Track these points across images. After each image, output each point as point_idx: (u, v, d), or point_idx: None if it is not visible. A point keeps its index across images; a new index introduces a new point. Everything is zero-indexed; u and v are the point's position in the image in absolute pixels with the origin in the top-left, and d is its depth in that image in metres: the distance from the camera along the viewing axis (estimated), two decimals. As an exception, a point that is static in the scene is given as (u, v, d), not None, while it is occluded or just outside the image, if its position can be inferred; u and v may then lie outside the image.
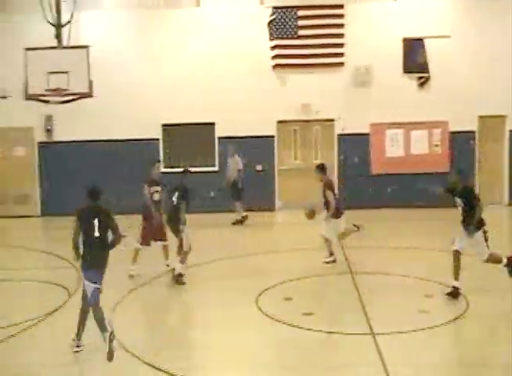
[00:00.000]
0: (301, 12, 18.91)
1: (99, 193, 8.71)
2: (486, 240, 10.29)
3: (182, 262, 11.76)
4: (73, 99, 16.54)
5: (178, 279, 11.67)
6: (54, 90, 16.16)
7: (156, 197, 12.51)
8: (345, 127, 19.09)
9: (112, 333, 8.15)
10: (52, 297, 11.21)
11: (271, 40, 18.92)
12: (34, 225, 18.86)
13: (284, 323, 9.41)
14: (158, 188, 12.54)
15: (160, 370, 7.91)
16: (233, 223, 17.42)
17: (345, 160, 19.27)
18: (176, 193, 11.94)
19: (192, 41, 19.06)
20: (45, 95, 16.45)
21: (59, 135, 19.39)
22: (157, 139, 19.36)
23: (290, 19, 18.91)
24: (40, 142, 19.52)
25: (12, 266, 13.33)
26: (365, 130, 19.14)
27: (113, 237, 8.62)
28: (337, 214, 12.49)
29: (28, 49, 16.42)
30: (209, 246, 14.30)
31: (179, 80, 18.96)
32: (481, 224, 10.28)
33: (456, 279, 10.26)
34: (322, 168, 12.71)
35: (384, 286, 11.23)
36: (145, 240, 12.41)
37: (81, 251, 8.57)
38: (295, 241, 14.97)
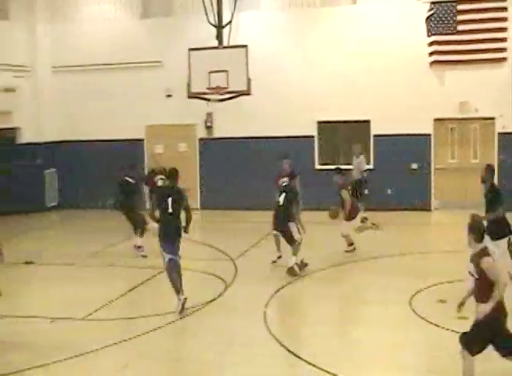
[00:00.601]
0: (460, 7, 18.36)
1: (175, 175, 10.40)
2: None
3: (295, 253, 12.23)
4: (231, 97, 17.04)
5: (291, 270, 12.13)
6: (214, 88, 16.67)
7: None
8: (506, 125, 18.35)
9: (185, 298, 9.97)
10: (210, 287, 11.73)
11: (428, 36, 18.50)
12: (195, 217, 19.59)
13: (437, 326, 9.28)
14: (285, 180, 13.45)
15: (309, 363, 8.08)
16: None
17: (506, 160, 18.52)
18: (283, 195, 12.50)
19: (348, 39, 19.07)
20: (205, 94, 17.03)
21: (218, 132, 20.18)
22: (312, 137, 19.59)
23: (449, 14, 18.41)
24: (201, 139, 20.42)
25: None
26: (529, 128, 18.32)
27: (186, 216, 10.35)
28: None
29: (191, 50, 17.08)
30: (365, 244, 14.34)
31: (335, 77, 19.05)
32: None
33: None
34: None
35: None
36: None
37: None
38: (451, 242, 14.62)
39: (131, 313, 10.77)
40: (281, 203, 12.60)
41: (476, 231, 7.00)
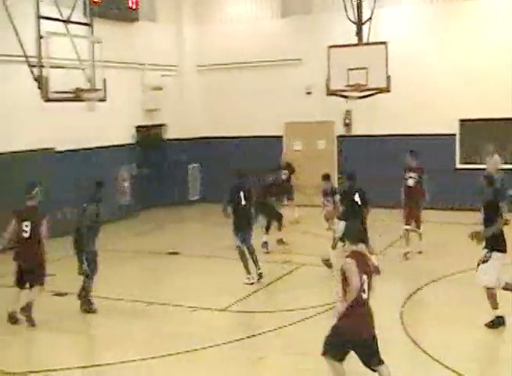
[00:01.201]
0: None
1: (244, 174, 12.52)
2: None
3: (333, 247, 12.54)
4: (371, 95, 16.94)
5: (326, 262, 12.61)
6: (353, 86, 16.64)
7: (410, 182, 13.83)
8: None
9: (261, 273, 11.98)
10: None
11: None
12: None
13: None
14: (412, 174, 13.79)
15: (447, 367, 8.01)
16: None
17: None
18: (357, 194, 12.38)
19: (490, 33, 18.39)
20: (344, 91, 17.04)
21: (357, 129, 20.16)
22: (453, 135, 19.13)
23: None
24: (339, 136, 20.49)
25: (303, 251, 14.42)
26: None
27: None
28: None
29: (331, 47, 17.14)
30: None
31: (477, 74, 18.45)
32: None
33: None
34: None
35: None
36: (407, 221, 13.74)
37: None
38: None
39: (267, 307, 11.09)
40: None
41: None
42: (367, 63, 16.40)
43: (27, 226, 10.16)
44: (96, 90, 13.88)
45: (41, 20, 12.85)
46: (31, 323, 10.11)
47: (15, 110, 15.48)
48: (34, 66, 12.89)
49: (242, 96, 21.37)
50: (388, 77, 16.25)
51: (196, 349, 8.88)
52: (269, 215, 14.87)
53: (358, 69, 16.39)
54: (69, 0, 14.33)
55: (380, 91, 16.56)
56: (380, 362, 6.97)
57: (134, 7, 19.56)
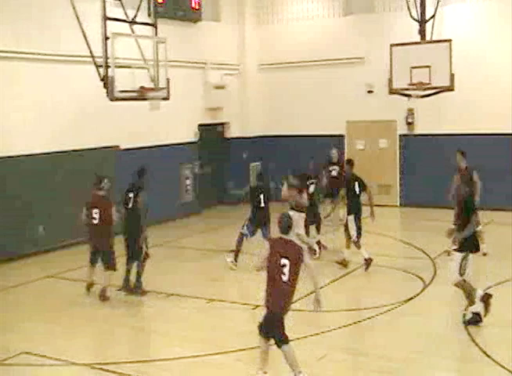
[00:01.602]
0: None
1: (263, 177, 13.94)
2: None
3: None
4: (434, 93, 16.72)
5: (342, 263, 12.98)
6: (416, 84, 16.45)
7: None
8: None
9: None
10: (407, 285, 11.73)
11: None
12: (394, 214, 19.63)
13: None
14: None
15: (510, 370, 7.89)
16: None
17: None
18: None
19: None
20: (407, 90, 16.87)
21: (419, 128, 19.93)
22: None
23: None
24: (401, 135, 20.29)
25: (373, 252, 14.28)
26: None
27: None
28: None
29: (393, 45, 16.99)
30: None
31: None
32: None
33: None
34: None
35: None
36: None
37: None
38: None
39: (330, 306, 11.07)
40: None
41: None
42: (430, 61, 16.19)
43: (96, 213, 11.44)
44: (160, 89, 14.10)
45: (107, 21, 13.14)
46: (105, 299, 11.34)
47: (82, 109, 15.89)
48: (100, 66, 13.19)
49: (303, 95, 21.39)
50: (452, 76, 15.99)
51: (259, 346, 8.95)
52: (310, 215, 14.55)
53: (421, 67, 16.21)
54: (134, 1, 14.61)
55: (444, 89, 16.33)
56: (282, 341, 7.59)
57: (197, 7, 19.80)
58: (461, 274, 9.44)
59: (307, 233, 13.90)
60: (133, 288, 11.62)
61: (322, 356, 8.69)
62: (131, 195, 11.70)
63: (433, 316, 10.11)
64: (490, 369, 8.15)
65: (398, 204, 20.21)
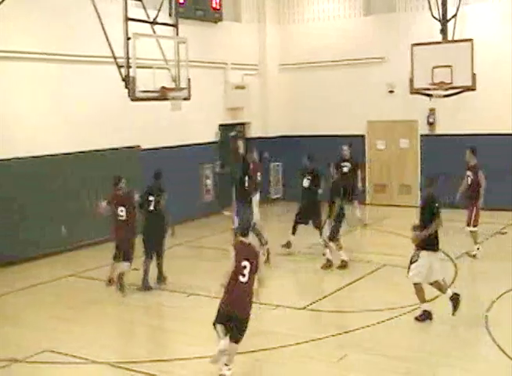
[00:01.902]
0: None
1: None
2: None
3: None
4: (456, 93, 16.63)
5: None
6: (437, 84, 16.37)
7: (469, 181, 14.11)
8: None
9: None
10: (427, 286, 11.66)
11: None
12: (412, 214, 19.47)
13: None
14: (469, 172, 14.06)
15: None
16: None
17: None
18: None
19: None
20: (428, 89, 16.78)
21: (441, 129, 19.81)
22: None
23: None
24: (422, 135, 20.19)
25: (385, 251, 14.28)
26: None
27: None
28: None
29: (415, 45, 16.92)
30: None
31: None
32: None
33: None
34: None
35: None
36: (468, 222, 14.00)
37: None
38: None
39: (350, 307, 11.08)
40: None
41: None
42: (452, 60, 16.08)
43: (122, 211, 11.81)
44: (181, 89, 14.14)
45: (129, 22, 13.21)
46: (122, 290, 11.72)
47: (104, 109, 16.02)
48: (121, 66, 13.26)
49: (324, 95, 21.36)
50: (474, 75, 15.88)
51: (282, 346, 8.99)
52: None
53: (442, 67, 16.11)
54: (155, 1, 14.68)
55: (466, 89, 16.23)
56: (237, 341, 7.90)
57: (217, 8, 19.86)
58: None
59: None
60: (159, 281, 12.21)
61: (342, 356, 8.69)
62: (151, 198, 11.93)
63: (453, 317, 10.04)
64: (510, 370, 8.10)
65: (418, 204, 20.06)
